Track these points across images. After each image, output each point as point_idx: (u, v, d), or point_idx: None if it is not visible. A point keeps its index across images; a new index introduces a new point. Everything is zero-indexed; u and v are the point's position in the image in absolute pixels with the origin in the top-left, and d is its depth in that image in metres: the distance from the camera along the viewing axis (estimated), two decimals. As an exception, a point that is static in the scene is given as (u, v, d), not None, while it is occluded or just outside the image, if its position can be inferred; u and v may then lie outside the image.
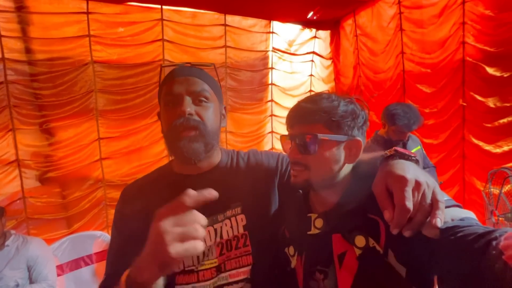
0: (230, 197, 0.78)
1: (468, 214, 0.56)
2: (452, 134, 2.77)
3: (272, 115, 3.87)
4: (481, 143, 2.55)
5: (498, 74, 2.42)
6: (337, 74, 4.18)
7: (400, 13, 3.13)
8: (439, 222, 0.51)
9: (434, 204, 0.53)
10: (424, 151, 2.41)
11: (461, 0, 2.61)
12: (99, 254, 2.68)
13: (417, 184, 0.54)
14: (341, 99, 0.67)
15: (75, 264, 2.54)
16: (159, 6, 3.00)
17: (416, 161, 0.63)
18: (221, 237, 0.75)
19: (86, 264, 2.58)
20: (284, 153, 0.81)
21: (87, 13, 2.71)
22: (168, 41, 3.10)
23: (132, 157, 2.99)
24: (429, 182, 0.56)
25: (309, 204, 0.74)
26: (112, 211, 3.17)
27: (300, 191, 0.76)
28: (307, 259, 0.68)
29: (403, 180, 0.54)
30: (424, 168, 2.40)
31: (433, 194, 0.55)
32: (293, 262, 0.72)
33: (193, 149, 0.72)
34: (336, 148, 0.66)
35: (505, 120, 2.39)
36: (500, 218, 1.81)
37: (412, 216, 0.53)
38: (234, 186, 0.80)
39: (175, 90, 0.74)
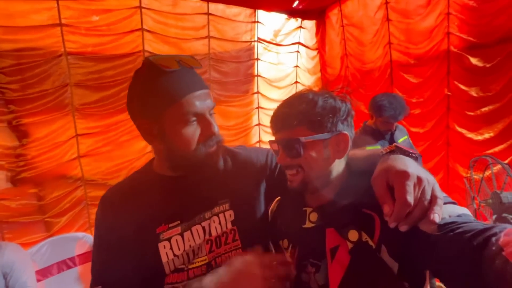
0: (217, 194, 0.78)
1: (464, 211, 0.56)
2: (437, 122, 2.83)
3: (258, 107, 3.80)
4: (464, 131, 2.61)
5: (480, 64, 2.47)
6: (323, 65, 4.14)
7: (387, 3, 3.11)
8: (437, 217, 0.51)
9: (433, 200, 0.53)
10: (410, 141, 2.44)
11: (447, -10, 2.61)
12: (83, 256, 2.57)
13: (418, 180, 0.54)
14: (319, 96, 0.66)
15: (57, 267, 2.42)
16: (136, -8, 2.82)
17: (416, 158, 0.63)
18: (210, 234, 0.75)
19: (69, 267, 2.46)
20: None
21: (57, -1, 2.50)
22: (148, 30, 2.93)
23: (113, 154, 2.85)
24: (430, 178, 0.56)
25: (304, 199, 0.74)
26: (94, 211, 3.02)
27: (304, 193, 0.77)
28: (300, 252, 0.70)
29: (405, 175, 0.54)
30: (410, 157, 2.44)
31: (433, 190, 0.55)
32: (287, 255, 0.73)
33: (216, 163, 0.74)
34: (323, 146, 0.66)
35: (486, 108, 2.45)
36: (482, 204, 1.86)
37: (411, 211, 0.53)
38: (221, 183, 0.79)
39: (198, 108, 0.69)
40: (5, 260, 1.82)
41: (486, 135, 2.44)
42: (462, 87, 2.61)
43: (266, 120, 3.80)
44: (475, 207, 2.02)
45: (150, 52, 2.90)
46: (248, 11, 3.50)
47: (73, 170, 2.69)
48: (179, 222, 0.73)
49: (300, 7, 3.64)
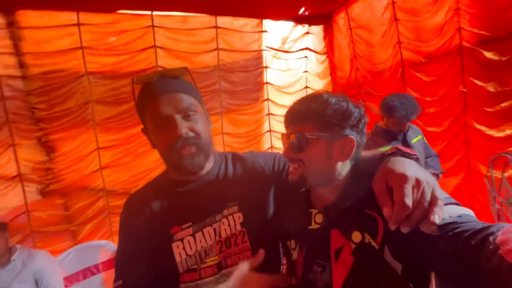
0: (226, 196, 0.82)
1: (467, 212, 0.56)
2: (454, 120, 2.72)
3: (269, 113, 3.85)
4: (483, 128, 2.49)
5: (496, 58, 2.36)
6: (333, 68, 4.13)
7: (394, 2, 3.08)
8: (437, 218, 0.51)
9: (433, 201, 0.54)
10: (426, 141, 2.37)
11: (454, -15, 2.55)
12: (106, 263, 2.70)
13: (417, 182, 0.55)
14: (333, 98, 0.68)
15: (83, 274, 2.56)
16: (149, 13, 3.00)
17: (417, 159, 0.65)
18: (220, 235, 0.79)
19: (93, 273, 2.60)
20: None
21: (78, 24, 2.72)
22: (160, 47, 3.09)
23: (130, 165, 3.00)
24: (429, 180, 0.56)
25: (311, 200, 0.77)
26: (116, 219, 3.18)
27: (303, 188, 0.80)
28: (307, 253, 0.72)
29: (403, 178, 0.55)
30: (426, 158, 2.36)
31: (433, 191, 0.55)
32: (294, 255, 0.76)
33: (196, 164, 0.77)
34: (325, 146, 0.67)
35: (506, 103, 2.33)
36: (504, 204, 1.75)
37: (411, 213, 0.53)
38: (230, 186, 0.83)
39: (163, 112, 0.74)
40: (37, 267, 1.97)
41: (508, 132, 2.31)
42: (478, 82, 2.50)
43: (277, 127, 3.83)
44: (497, 207, 1.92)
45: (163, 67, 3.06)
46: (255, 21, 3.60)
47: (95, 181, 2.86)
48: (190, 223, 0.78)
49: (306, 13, 3.69)
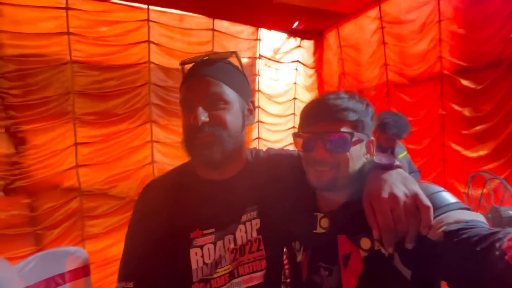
0: (247, 202, 0.75)
1: (476, 217, 0.54)
2: (433, 140, 2.95)
3: (258, 121, 3.85)
4: (459, 148, 2.72)
5: (472, 86, 2.63)
6: (321, 82, 4.29)
7: (382, 27, 3.31)
8: (428, 225, 0.53)
9: (421, 209, 0.55)
10: (409, 156, 2.52)
11: (437, 19, 2.83)
12: (74, 272, 2.40)
13: (394, 200, 0.56)
14: (363, 100, 0.68)
15: (45, 285, 2.25)
16: (145, 6, 2.88)
17: (397, 167, 0.65)
18: (235, 243, 0.72)
19: (58, 284, 2.29)
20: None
21: (66, 8, 2.52)
22: (154, 43, 2.97)
23: (112, 164, 2.77)
24: (409, 190, 0.58)
25: (315, 203, 0.73)
26: (90, 223, 2.88)
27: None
28: (312, 256, 0.69)
29: (380, 201, 0.57)
30: (410, 172, 2.51)
31: (418, 200, 0.56)
32: (299, 257, 0.72)
33: (207, 156, 0.68)
34: (360, 147, 0.66)
35: (479, 127, 2.58)
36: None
37: (405, 229, 0.54)
38: (252, 190, 0.76)
39: (189, 95, 0.70)
40: (-9, 275, 1.69)
41: (481, 152, 2.56)
42: (456, 107, 2.75)
43: (266, 134, 3.84)
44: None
45: (155, 64, 2.93)
46: (251, 29, 3.64)
47: (69, 180, 2.59)
48: (213, 230, 0.71)
49: (300, 27, 3.82)
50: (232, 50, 0.78)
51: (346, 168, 0.65)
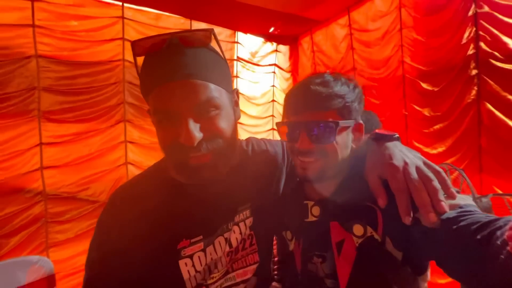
0: (238, 201, 0.70)
1: (467, 200, 0.54)
2: (398, 139, 3.19)
3: (238, 122, 3.87)
4: (421, 146, 2.98)
5: (430, 88, 2.91)
6: (296, 86, 4.44)
7: (351, 34, 3.55)
8: (449, 191, 0.53)
9: (435, 174, 0.53)
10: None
11: (399, 27, 3.11)
12: (36, 284, 2.20)
13: (407, 166, 0.55)
14: (349, 82, 0.65)
15: (2, 299, 2.03)
16: (119, 3, 2.81)
17: (397, 138, 0.65)
18: (231, 245, 0.67)
19: (17, 298, 2.08)
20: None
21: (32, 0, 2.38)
22: (129, 40, 2.89)
23: (82, 165, 2.61)
24: (417, 158, 0.57)
25: (305, 191, 0.72)
26: (55, 229, 2.67)
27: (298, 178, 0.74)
28: (305, 244, 0.68)
29: (392, 167, 0.55)
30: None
31: (430, 166, 0.55)
32: (291, 246, 0.71)
33: (207, 178, 0.58)
34: (346, 134, 0.63)
35: (437, 126, 2.86)
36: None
37: (424, 196, 0.51)
38: (243, 188, 0.71)
39: (169, 106, 0.52)
40: None
41: (440, 149, 2.82)
42: (417, 107, 3.02)
43: (245, 136, 3.83)
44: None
45: (130, 62, 2.84)
46: (229, 31, 3.69)
47: (33, 183, 2.39)
48: (201, 237, 0.64)
49: (275, 32, 3.96)
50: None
51: (335, 157, 0.62)
